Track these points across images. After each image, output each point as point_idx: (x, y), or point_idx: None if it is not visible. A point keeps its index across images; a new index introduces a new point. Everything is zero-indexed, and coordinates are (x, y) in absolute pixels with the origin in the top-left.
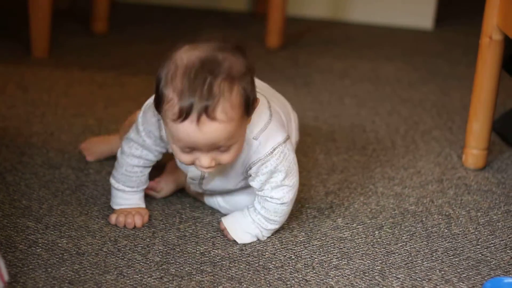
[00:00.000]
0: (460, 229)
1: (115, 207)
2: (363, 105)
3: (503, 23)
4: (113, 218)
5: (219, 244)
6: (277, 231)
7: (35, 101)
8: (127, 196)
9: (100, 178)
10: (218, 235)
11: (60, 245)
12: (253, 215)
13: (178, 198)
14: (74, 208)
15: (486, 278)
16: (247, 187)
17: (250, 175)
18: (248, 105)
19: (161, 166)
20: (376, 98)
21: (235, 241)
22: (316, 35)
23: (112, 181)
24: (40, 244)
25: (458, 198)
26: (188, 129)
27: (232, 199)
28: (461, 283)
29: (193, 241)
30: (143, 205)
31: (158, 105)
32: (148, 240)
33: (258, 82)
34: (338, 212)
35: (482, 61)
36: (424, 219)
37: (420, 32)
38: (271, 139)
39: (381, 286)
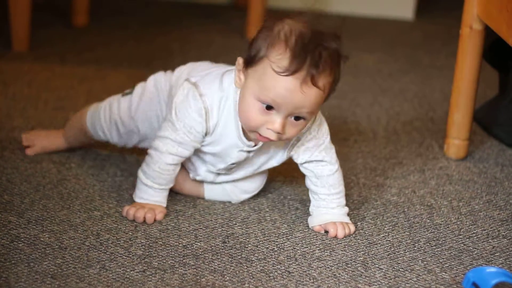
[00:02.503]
0: (442, 219)
1: (138, 200)
2: (344, 97)
3: (483, 12)
4: (130, 211)
5: (201, 236)
6: (259, 222)
7: (16, 95)
8: (155, 193)
9: (82, 172)
10: (201, 227)
11: (42, 239)
12: (336, 206)
13: None
14: (56, 202)
15: (468, 268)
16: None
17: (292, 152)
18: (331, 92)
19: None
20: (356, 89)
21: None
22: None
23: (142, 176)
24: (22, 239)
25: (440, 188)
26: (290, 85)
27: (243, 182)
28: (444, 273)
29: (175, 234)
30: (165, 204)
31: (254, 60)
32: (130, 233)
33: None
34: None
35: (463, 51)
36: (406, 209)
37: (401, 22)
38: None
39: (364, 277)
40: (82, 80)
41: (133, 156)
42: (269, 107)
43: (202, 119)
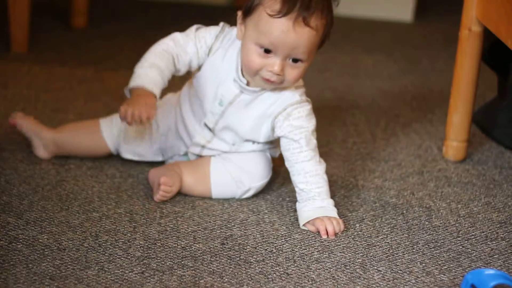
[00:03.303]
0: (441, 221)
1: (131, 84)
2: (343, 98)
3: (482, 15)
4: (122, 109)
5: (200, 238)
6: (258, 224)
7: (15, 96)
8: (144, 72)
9: (81, 174)
10: (199, 229)
11: (41, 240)
12: (314, 197)
13: None
14: (54, 204)
15: (467, 270)
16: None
17: (277, 122)
18: (326, 36)
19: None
20: (355, 90)
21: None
22: None
23: (135, 68)
24: (20, 240)
25: (439, 190)
26: (283, 26)
27: (247, 164)
28: (442, 275)
29: (174, 236)
30: (156, 91)
31: (250, 9)
32: (129, 235)
33: None
34: None
35: (462, 53)
36: (404, 211)
37: (400, 24)
38: (305, 96)
39: (362, 279)
40: (81, 82)
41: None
42: (267, 51)
43: (215, 35)
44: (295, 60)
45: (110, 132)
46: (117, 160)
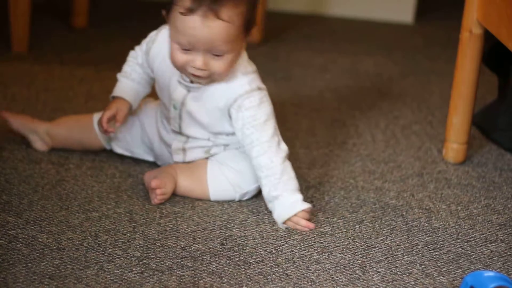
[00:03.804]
0: (441, 223)
1: (110, 98)
2: (343, 100)
3: (483, 17)
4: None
5: (199, 238)
6: (257, 225)
7: (15, 96)
8: (119, 84)
9: (81, 173)
10: (199, 229)
11: (40, 240)
12: (275, 191)
13: None
14: (54, 203)
15: (466, 272)
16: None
17: (231, 114)
18: (249, 23)
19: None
20: (356, 92)
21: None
22: (297, 30)
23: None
24: (20, 239)
25: (439, 192)
26: (195, 23)
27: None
28: (442, 277)
29: (173, 236)
30: (127, 96)
31: (169, 11)
32: (128, 235)
33: None
34: (319, 206)
35: (462, 55)
36: (404, 213)
37: (401, 26)
38: (258, 82)
39: (362, 280)
40: (81, 82)
41: (131, 157)
42: (187, 48)
43: (145, 42)
44: (215, 54)
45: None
46: (117, 160)
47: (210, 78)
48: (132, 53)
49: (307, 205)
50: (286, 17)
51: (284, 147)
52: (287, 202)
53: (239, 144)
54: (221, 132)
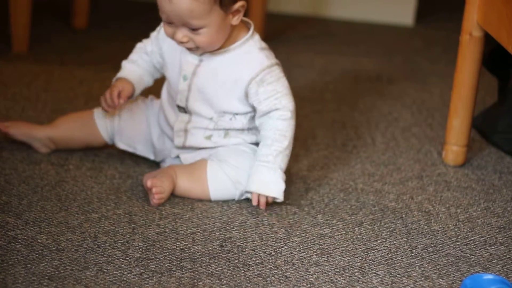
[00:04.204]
0: (440, 226)
1: (113, 80)
2: (343, 101)
3: (483, 19)
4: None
5: (199, 240)
6: (257, 227)
7: (15, 96)
8: (124, 69)
9: (80, 174)
10: (198, 231)
11: (39, 241)
12: (269, 156)
13: None
14: (53, 204)
15: (465, 275)
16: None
17: (250, 89)
18: None
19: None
20: (356, 94)
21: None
22: (297, 31)
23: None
24: (19, 240)
25: (438, 195)
26: None
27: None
28: (441, 280)
29: (173, 237)
30: (132, 79)
31: None
32: (128, 236)
33: None
34: (318, 208)
35: (462, 57)
36: (404, 215)
37: (401, 28)
38: (274, 58)
39: (361, 282)
40: (82, 82)
41: (131, 158)
42: (168, 20)
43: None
44: (192, 28)
45: (104, 123)
46: (116, 161)
47: (202, 49)
48: (139, 44)
49: (280, 197)
50: (287, 18)
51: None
52: (270, 179)
53: (239, 131)
54: (226, 111)
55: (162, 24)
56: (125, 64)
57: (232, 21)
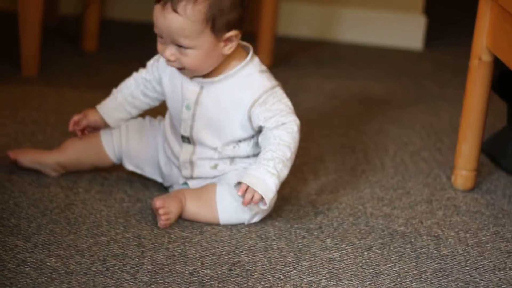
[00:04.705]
0: (449, 250)
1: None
2: (352, 125)
3: (493, 44)
4: None
5: (208, 264)
6: (266, 251)
7: (25, 119)
8: (107, 102)
9: (89, 197)
10: (207, 254)
11: (48, 264)
12: (269, 161)
13: None
14: (63, 227)
15: None
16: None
17: (253, 112)
18: (214, 20)
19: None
20: (365, 118)
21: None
22: (306, 55)
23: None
24: (28, 263)
25: (447, 219)
26: (157, 12)
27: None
28: None
29: (182, 261)
30: (103, 113)
31: None
32: (137, 259)
33: None
34: (327, 232)
35: (472, 82)
36: (413, 240)
37: (410, 52)
38: (274, 80)
39: None
40: (91, 105)
41: (140, 181)
42: (159, 34)
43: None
44: (180, 46)
45: (111, 143)
46: (125, 184)
47: (190, 72)
48: (134, 74)
49: (266, 199)
50: (296, 42)
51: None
52: (264, 178)
53: (245, 158)
54: (230, 139)
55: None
56: (113, 93)
57: (223, 50)
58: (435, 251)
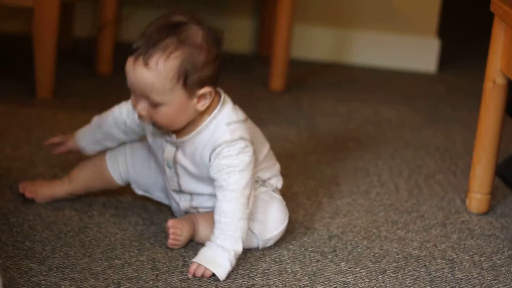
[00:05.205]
0: (464, 274)
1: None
2: (366, 149)
3: (507, 67)
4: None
5: (222, 287)
6: (280, 274)
7: (39, 142)
8: (87, 135)
9: (104, 220)
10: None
11: (63, 287)
12: (217, 239)
13: None
14: (77, 250)
15: None
16: None
17: (210, 161)
18: (187, 76)
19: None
20: (379, 141)
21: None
22: (320, 78)
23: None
24: (43, 286)
25: (462, 243)
26: (128, 65)
27: (261, 214)
28: None
29: (196, 284)
30: (79, 141)
31: None
32: (151, 282)
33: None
34: (342, 256)
35: (486, 105)
36: (427, 263)
37: (423, 75)
38: (241, 132)
39: None
40: None
41: (154, 205)
42: (132, 88)
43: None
44: (152, 102)
45: (117, 168)
46: (140, 208)
47: (162, 128)
48: (116, 112)
49: (219, 274)
50: (309, 65)
51: (250, 205)
52: (214, 255)
53: None
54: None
55: None
56: (91, 128)
57: (197, 107)
58: (449, 275)
